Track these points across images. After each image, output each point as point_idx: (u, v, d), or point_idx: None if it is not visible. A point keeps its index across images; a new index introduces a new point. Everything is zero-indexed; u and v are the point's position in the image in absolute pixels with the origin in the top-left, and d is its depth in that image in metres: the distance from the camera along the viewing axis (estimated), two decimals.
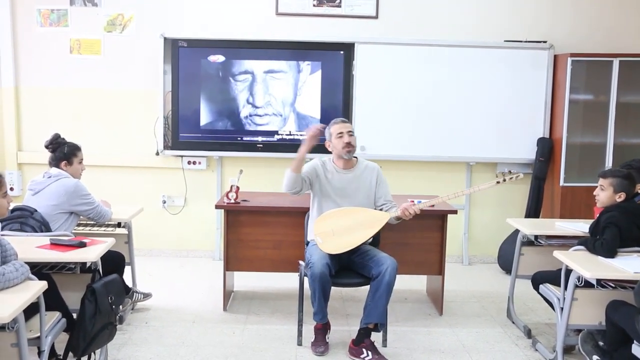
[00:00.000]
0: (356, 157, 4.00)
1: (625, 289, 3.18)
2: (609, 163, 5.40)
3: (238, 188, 4.34)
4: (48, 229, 3.64)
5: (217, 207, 4.44)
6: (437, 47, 5.50)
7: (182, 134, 5.51)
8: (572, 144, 5.45)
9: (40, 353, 2.75)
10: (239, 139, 5.53)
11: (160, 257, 5.73)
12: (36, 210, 3.66)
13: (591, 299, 3.33)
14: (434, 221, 4.37)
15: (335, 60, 5.48)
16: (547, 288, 3.68)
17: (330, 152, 3.98)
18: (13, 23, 5.53)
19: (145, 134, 5.58)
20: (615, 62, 5.33)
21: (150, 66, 5.50)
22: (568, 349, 3.68)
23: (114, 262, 3.87)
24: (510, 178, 3.73)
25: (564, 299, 3.39)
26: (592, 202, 3.84)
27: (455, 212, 4.41)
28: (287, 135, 5.53)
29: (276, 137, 5.54)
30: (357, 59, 5.46)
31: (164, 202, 5.74)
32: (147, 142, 5.59)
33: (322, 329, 3.78)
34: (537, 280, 3.83)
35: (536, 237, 4.01)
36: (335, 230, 3.72)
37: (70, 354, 3.06)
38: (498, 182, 3.71)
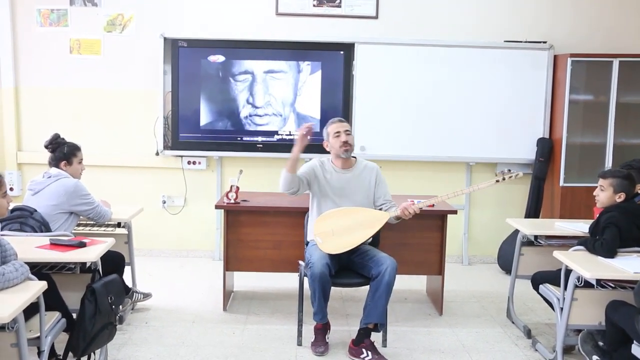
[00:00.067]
0: (355, 157, 4.00)
1: (625, 289, 3.18)
2: (608, 163, 5.40)
3: (238, 188, 4.34)
4: (48, 229, 3.64)
5: (217, 207, 4.44)
6: (437, 47, 5.50)
7: (182, 134, 5.51)
8: (572, 144, 5.45)
9: (40, 353, 2.75)
10: (239, 139, 5.53)
11: (160, 257, 5.73)
12: (36, 210, 3.66)
13: (591, 299, 3.33)
14: (433, 221, 4.37)
15: (335, 60, 5.48)
16: (547, 288, 3.68)
17: (328, 152, 3.98)
18: (13, 23, 5.53)
19: (145, 134, 5.58)
20: (615, 63, 5.33)
21: (150, 66, 5.50)
22: (568, 349, 3.68)
23: (114, 262, 3.87)
24: (510, 177, 3.72)
25: (564, 299, 3.39)
26: (591, 202, 3.84)
27: (455, 212, 4.41)
28: (287, 135, 5.53)
29: (276, 137, 5.54)
30: (357, 59, 5.46)
31: (164, 202, 5.74)
32: (147, 142, 5.59)
33: (322, 329, 3.78)
34: (537, 280, 3.83)
35: (536, 237, 4.01)
36: (335, 230, 3.72)
37: (70, 354, 3.06)
38: (497, 181, 3.70)
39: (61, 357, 3.13)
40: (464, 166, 5.73)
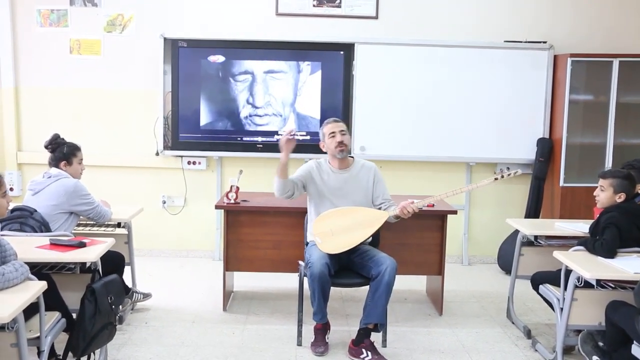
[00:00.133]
0: (352, 157, 4.00)
1: (625, 290, 3.18)
2: (608, 163, 5.40)
3: (238, 188, 4.34)
4: (48, 229, 3.64)
5: (217, 207, 4.44)
6: (437, 47, 5.50)
7: (182, 134, 5.51)
8: (572, 144, 5.45)
9: (40, 353, 2.75)
10: (239, 139, 5.53)
11: (160, 257, 5.73)
12: (36, 211, 3.66)
13: (591, 300, 3.33)
14: (433, 221, 4.37)
15: (335, 60, 5.48)
16: (546, 288, 3.68)
17: (325, 153, 3.98)
18: (13, 23, 5.53)
19: (145, 134, 5.58)
20: (615, 63, 5.33)
21: (150, 66, 5.50)
22: (568, 350, 3.68)
23: (114, 262, 3.87)
24: (509, 175, 3.72)
25: (564, 299, 3.39)
26: (591, 202, 3.84)
27: (455, 212, 4.41)
28: None
29: (276, 137, 5.52)
30: (357, 59, 5.46)
31: (164, 202, 5.74)
32: (147, 142, 5.59)
33: (322, 329, 3.78)
34: (537, 280, 3.83)
35: (536, 237, 4.01)
36: (334, 230, 3.72)
37: (70, 354, 3.06)
38: (496, 179, 3.70)
39: (61, 357, 3.13)
40: (464, 166, 5.73)
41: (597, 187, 3.62)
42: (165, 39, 5.41)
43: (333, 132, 3.85)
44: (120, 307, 3.82)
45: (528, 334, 4.03)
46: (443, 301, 4.44)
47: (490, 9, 5.62)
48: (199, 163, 5.67)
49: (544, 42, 5.52)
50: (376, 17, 5.58)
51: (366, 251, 3.79)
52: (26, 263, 2.75)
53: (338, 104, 5.51)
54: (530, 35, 5.55)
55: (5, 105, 5.59)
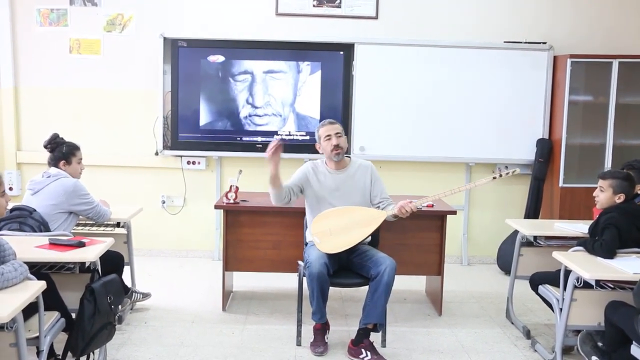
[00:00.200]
0: (349, 157, 3.99)
1: (625, 290, 3.18)
2: (608, 164, 5.40)
3: (237, 188, 4.34)
4: (47, 229, 3.64)
5: (216, 207, 4.44)
6: (437, 47, 5.50)
7: (182, 134, 5.51)
8: (572, 144, 5.45)
9: (39, 353, 2.75)
10: (239, 139, 5.53)
11: (160, 257, 5.73)
12: (35, 210, 3.66)
13: (590, 300, 3.33)
14: (433, 222, 4.37)
15: (335, 60, 5.48)
16: (546, 289, 3.68)
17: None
18: (12, 23, 5.53)
19: (145, 134, 5.58)
20: (615, 63, 5.33)
21: (150, 66, 5.50)
22: (567, 350, 3.68)
23: (113, 262, 3.87)
24: (507, 174, 3.70)
25: (563, 299, 3.39)
26: (591, 203, 3.84)
27: (454, 212, 4.41)
28: (286, 135, 5.53)
29: (276, 137, 5.53)
30: (357, 60, 5.46)
31: (164, 202, 5.74)
32: (147, 142, 5.59)
33: (321, 329, 3.78)
34: (536, 281, 3.83)
35: (535, 237, 4.01)
36: (332, 230, 3.72)
37: (69, 353, 3.06)
38: (494, 178, 3.69)
39: (60, 357, 3.14)
40: (463, 167, 5.73)
41: (596, 187, 3.62)
42: (165, 38, 5.41)
43: (329, 135, 3.83)
44: (120, 307, 3.81)
45: (527, 334, 4.03)
46: (442, 301, 4.44)
47: (490, 9, 5.62)
48: (199, 163, 5.67)
49: (544, 43, 5.52)
50: (376, 17, 5.58)
51: (365, 251, 3.79)
52: (25, 263, 2.75)
53: (338, 104, 5.51)
54: (530, 35, 5.55)
55: (5, 105, 5.59)
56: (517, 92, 5.55)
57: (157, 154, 5.59)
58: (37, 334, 2.73)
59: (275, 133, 5.51)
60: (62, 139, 3.99)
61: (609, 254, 3.33)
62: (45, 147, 3.94)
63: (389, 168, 5.55)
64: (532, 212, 5.58)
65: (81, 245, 3.21)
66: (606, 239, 3.36)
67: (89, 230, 4.13)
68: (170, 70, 5.45)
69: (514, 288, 4.32)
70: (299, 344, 3.82)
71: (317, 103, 5.51)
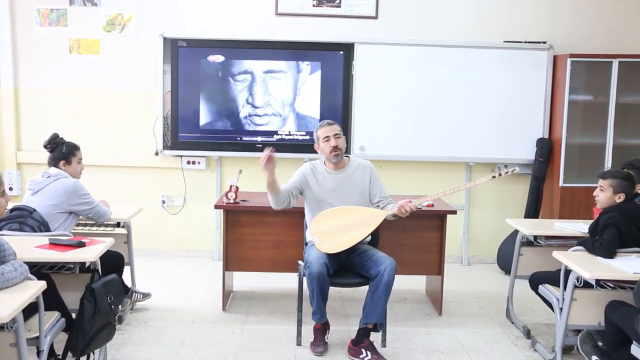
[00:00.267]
0: (347, 157, 3.99)
1: (625, 290, 3.18)
2: (608, 164, 5.40)
3: (237, 188, 4.34)
4: (47, 229, 3.63)
5: (216, 207, 4.44)
6: (437, 47, 5.50)
7: (182, 134, 5.51)
8: (572, 144, 5.45)
9: (39, 353, 2.75)
10: (239, 139, 5.53)
11: (160, 257, 5.73)
12: (35, 210, 3.65)
13: (590, 300, 3.33)
14: (433, 221, 4.37)
15: (335, 60, 5.48)
16: (546, 289, 3.68)
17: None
18: (12, 23, 5.53)
19: (145, 134, 5.58)
20: (615, 63, 5.33)
21: (150, 66, 5.50)
22: (567, 350, 3.68)
23: (113, 262, 3.87)
24: (506, 172, 3.70)
25: (563, 299, 3.39)
26: (591, 202, 3.84)
27: (454, 212, 4.41)
28: (286, 135, 5.53)
29: (275, 137, 5.53)
30: (357, 59, 5.46)
31: (164, 202, 5.73)
32: (147, 142, 5.59)
33: (321, 329, 3.78)
34: (535, 280, 3.83)
35: (535, 237, 4.01)
36: (332, 230, 3.72)
37: (69, 353, 3.06)
38: (494, 177, 3.69)
39: (60, 357, 3.14)
40: (463, 166, 5.73)
41: (596, 187, 3.62)
42: (164, 38, 5.41)
43: (327, 137, 3.83)
44: (120, 307, 3.81)
45: (527, 334, 4.03)
46: (442, 301, 4.44)
47: (490, 9, 5.62)
48: (199, 163, 5.67)
49: (544, 43, 5.52)
50: (376, 17, 5.58)
51: (365, 251, 3.79)
52: (25, 263, 2.75)
53: (337, 104, 5.51)
54: (530, 35, 5.55)
55: (5, 105, 5.59)
56: (517, 92, 5.55)
57: (157, 154, 5.59)
58: (37, 334, 2.73)
59: (275, 133, 5.51)
60: (61, 139, 3.99)
61: (609, 254, 3.33)
62: (45, 147, 3.94)
63: (389, 168, 5.56)
64: (532, 211, 5.58)
65: (81, 245, 3.21)
66: (606, 239, 3.36)
67: (89, 230, 4.13)
68: (170, 70, 5.45)
69: (514, 288, 4.32)
70: (299, 344, 3.82)
71: (317, 103, 5.51)
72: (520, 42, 5.52)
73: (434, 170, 5.71)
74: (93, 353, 3.19)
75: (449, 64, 5.50)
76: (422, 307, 4.59)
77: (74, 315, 3.12)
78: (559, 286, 3.47)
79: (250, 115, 5.52)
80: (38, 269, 3.00)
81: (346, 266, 3.81)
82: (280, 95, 5.51)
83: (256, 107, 5.51)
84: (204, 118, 5.50)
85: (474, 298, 4.82)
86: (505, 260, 5.31)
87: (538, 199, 5.58)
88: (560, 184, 5.43)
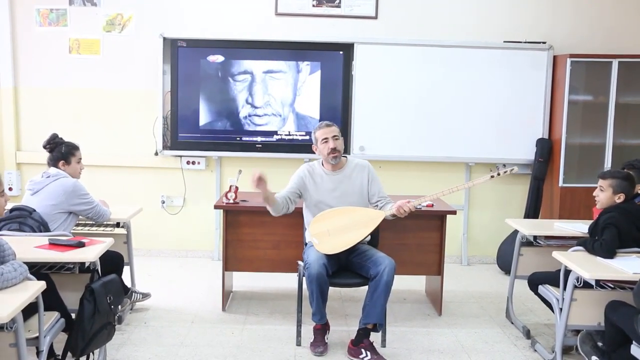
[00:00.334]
0: (345, 157, 3.98)
1: (625, 290, 3.18)
2: (608, 164, 5.40)
3: (237, 188, 4.34)
4: (47, 229, 3.63)
5: (216, 207, 4.43)
6: (437, 47, 5.50)
7: (181, 134, 5.50)
8: (571, 144, 5.45)
9: (38, 353, 2.75)
10: (238, 139, 5.53)
11: (159, 257, 5.73)
12: (35, 210, 3.65)
13: (590, 300, 3.33)
14: (433, 221, 4.36)
15: (335, 60, 5.47)
16: (546, 289, 3.68)
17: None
18: (12, 23, 5.53)
19: (145, 134, 5.58)
20: (615, 63, 5.33)
21: (150, 66, 5.50)
22: (567, 350, 3.68)
23: (113, 262, 3.87)
24: (505, 172, 3.69)
25: (563, 299, 3.39)
26: (591, 202, 3.84)
27: (454, 212, 4.41)
28: (286, 135, 5.53)
29: (275, 137, 5.53)
30: (357, 59, 5.46)
31: (163, 202, 5.73)
32: (146, 142, 5.59)
33: (321, 329, 3.78)
34: (534, 281, 3.84)
35: (535, 237, 4.01)
36: (330, 231, 3.72)
37: (69, 353, 3.06)
38: (492, 177, 3.69)
39: (60, 357, 3.14)
40: (463, 166, 5.73)
41: (596, 187, 3.62)
42: (164, 38, 5.41)
43: (325, 138, 3.82)
44: (119, 307, 3.81)
45: (527, 334, 4.03)
46: (442, 301, 4.44)
47: (490, 9, 5.62)
48: (198, 163, 5.66)
49: (544, 43, 5.52)
50: (375, 17, 5.58)
51: (365, 251, 3.79)
52: (25, 263, 2.74)
53: (337, 104, 5.51)
54: (529, 35, 5.55)
55: (4, 105, 5.58)
56: (516, 92, 5.55)
57: (156, 154, 5.59)
58: (37, 334, 2.73)
59: (274, 133, 5.51)
60: (61, 139, 3.98)
61: (609, 254, 3.33)
62: (45, 147, 3.94)
63: (388, 168, 5.56)
64: (532, 211, 5.58)
65: (81, 245, 3.21)
66: (606, 239, 3.36)
67: (88, 230, 4.13)
68: (170, 70, 5.45)
69: (514, 288, 4.32)
70: (298, 344, 3.82)
71: (316, 103, 5.51)
72: (520, 42, 5.52)
73: (433, 170, 5.71)
74: (93, 353, 3.19)
75: (449, 64, 5.50)
76: (422, 307, 4.59)
77: (73, 316, 3.12)
78: (558, 286, 3.47)
79: (250, 116, 5.52)
80: (38, 269, 3.00)
81: (346, 266, 3.81)
82: (280, 96, 5.51)
83: (256, 107, 5.51)
84: (204, 118, 5.50)
85: (473, 298, 4.82)
86: (505, 261, 5.31)
87: (538, 199, 5.58)
88: (560, 184, 5.43)
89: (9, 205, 3.54)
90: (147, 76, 5.54)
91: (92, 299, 3.01)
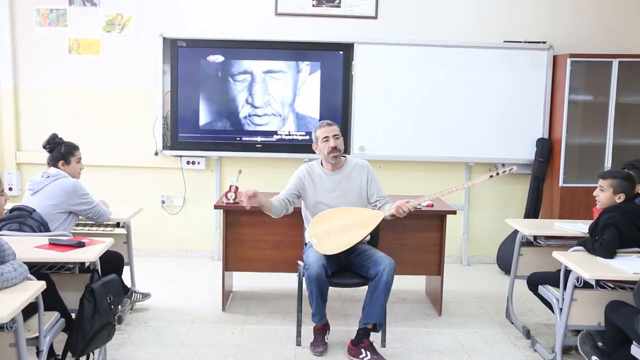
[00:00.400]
0: (344, 157, 3.98)
1: (625, 290, 3.18)
2: (608, 164, 5.40)
3: (237, 188, 4.33)
4: (47, 229, 3.63)
5: (216, 207, 4.43)
6: (437, 47, 5.50)
7: (181, 134, 5.50)
8: (572, 144, 5.45)
9: (38, 353, 2.75)
10: (238, 139, 5.53)
11: (159, 257, 5.73)
12: (35, 210, 3.65)
13: (590, 300, 3.33)
14: (433, 221, 4.36)
15: (335, 60, 5.47)
16: (546, 289, 3.67)
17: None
18: (12, 23, 5.52)
19: (145, 134, 5.58)
20: (615, 63, 5.33)
21: (150, 66, 5.50)
22: (567, 350, 3.68)
23: (113, 262, 3.87)
24: (504, 172, 3.70)
25: (563, 299, 3.38)
26: (591, 202, 3.84)
27: (454, 212, 4.41)
28: (286, 135, 5.53)
29: (275, 137, 5.53)
30: (357, 59, 5.46)
31: (163, 202, 5.73)
32: (146, 142, 5.59)
33: (321, 329, 3.78)
34: (533, 281, 3.83)
35: (535, 237, 4.00)
36: (329, 231, 3.72)
37: (69, 353, 3.06)
38: (491, 176, 3.69)
39: (60, 357, 3.14)
40: (463, 166, 5.73)
41: (596, 187, 3.62)
42: (164, 38, 5.41)
43: (326, 137, 3.82)
44: (119, 307, 3.81)
45: (527, 334, 4.03)
46: (442, 301, 4.44)
47: (490, 9, 5.62)
48: (198, 163, 5.66)
49: (544, 42, 5.52)
50: (375, 17, 5.58)
51: (364, 251, 3.78)
52: (25, 263, 2.75)
53: (337, 104, 5.51)
54: (529, 35, 5.55)
55: (4, 105, 5.58)
56: (516, 92, 5.55)
57: (156, 154, 5.59)
58: (37, 334, 2.73)
59: (274, 133, 5.51)
60: (60, 138, 3.98)
61: (609, 254, 3.33)
62: (44, 147, 3.94)
63: (388, 168, 5.56)
64: (532, 211, 5.58)
65: (81, 245, 3.21)
66: (606, 239, 3.36)
67: (88, 230, 4.13)
68: (170, 70, 5.45)
69: (513, 288, 4.32)
70: (298, 344, 3.82)
71: (316, 103, 5.51)
72: (520, 42, 5.52)
73: (433, 170, 5.71)
74: (93, 353, 3.19)
75: (449, 64, 5.50)
76: (422, 307, 4.59)
77: (73, 316, 3.12)
78: (557, 286, 3.47)
79: (249, 116, 5.52)
80: (38, 269, 3.00)
81: (345, 266, 3.81)
82: (280, 95, 5.51)
83: (256, 107, 5.51)
84: (204, 118, 5.50)
85: (473, 298, 4.82)
86: (505, 261, 5.31)
87: (538, 199, 5.58)
88: (560, 184, 5.43)
89: (9, 205, 3.54)
90: (147, 76, 5.54)
91: (92, 299, 3.01)
